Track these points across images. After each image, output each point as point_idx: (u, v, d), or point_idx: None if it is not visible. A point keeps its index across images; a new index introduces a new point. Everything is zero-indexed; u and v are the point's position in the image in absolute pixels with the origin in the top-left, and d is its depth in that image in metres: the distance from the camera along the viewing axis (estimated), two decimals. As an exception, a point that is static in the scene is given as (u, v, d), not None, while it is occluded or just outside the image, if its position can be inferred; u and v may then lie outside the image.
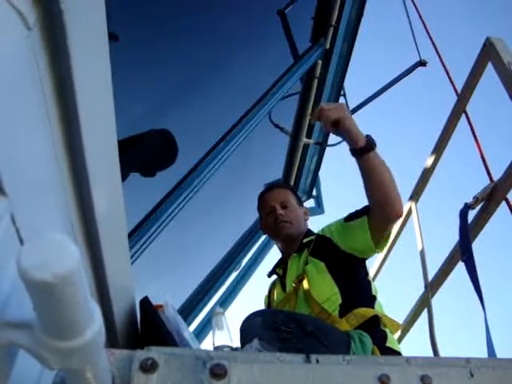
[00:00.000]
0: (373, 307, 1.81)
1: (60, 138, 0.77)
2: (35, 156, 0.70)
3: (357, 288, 1.83)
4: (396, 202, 1.72)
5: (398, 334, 2.60)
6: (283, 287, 2.05)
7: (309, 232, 2.13)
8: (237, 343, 1.68)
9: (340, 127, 1.76)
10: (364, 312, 1.75)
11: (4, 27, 0.52)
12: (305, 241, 2.03)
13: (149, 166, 1.94)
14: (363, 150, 1.72)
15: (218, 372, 0.62)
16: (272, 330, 1.48)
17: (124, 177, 0.99)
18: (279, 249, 2.22)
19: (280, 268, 2.15)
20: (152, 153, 1.91)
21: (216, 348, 1.67)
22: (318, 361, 0.69)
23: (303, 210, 2.25)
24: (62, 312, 0.40)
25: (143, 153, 1.82)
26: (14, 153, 0.61)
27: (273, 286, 2.21)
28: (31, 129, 0.66)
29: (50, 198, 0.78)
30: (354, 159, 1.77)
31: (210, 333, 3.20)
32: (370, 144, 1.73)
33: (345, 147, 1.81)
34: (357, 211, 1.89)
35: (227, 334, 1.77)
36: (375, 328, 1.73)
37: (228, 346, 1.70)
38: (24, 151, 0.65)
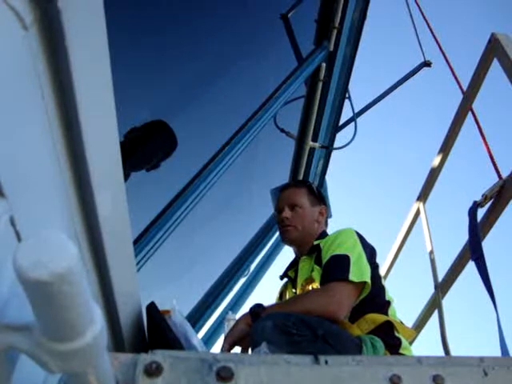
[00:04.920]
0: (386, 313, 1.78)
1: (61, 142, 0.76)
2: (35, 159, 0.69)
3: (368, 293, 1.80)
4: (325, 313, 1.63)
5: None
6: (295, 289, 2.03)
7: (323, 234, 2.07)
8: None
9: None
10: (375, 318, 1.72)
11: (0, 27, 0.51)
12: (315, 243, 1.98)
13: (150, 159, 1.93)
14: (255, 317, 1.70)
15: (225, 375, 0.60)
16: (283, 333, 1.46)
17: (126, 177, 0.98)
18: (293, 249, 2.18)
19: (292, 271, 2.11)
20: (150, 147, 1.89)
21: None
22: (326, 362, 0.68)
23: (319, 209, 2.14)
24: (61, 313, 0.39)
25: (142, 150, 1.81)
26: (14, 155, 0.60)
27: (285, 288, 2.17)
28: (30, 131, 0.65)
29: (52, 202, 0.77)
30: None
31: (220, 339, 3.20)
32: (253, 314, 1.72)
33: (352, 150, 1.79)
34: (324, 275, 1.80)
35: None
36: (390, 334, 1.71)
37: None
38: (24, 154, 0.64)
